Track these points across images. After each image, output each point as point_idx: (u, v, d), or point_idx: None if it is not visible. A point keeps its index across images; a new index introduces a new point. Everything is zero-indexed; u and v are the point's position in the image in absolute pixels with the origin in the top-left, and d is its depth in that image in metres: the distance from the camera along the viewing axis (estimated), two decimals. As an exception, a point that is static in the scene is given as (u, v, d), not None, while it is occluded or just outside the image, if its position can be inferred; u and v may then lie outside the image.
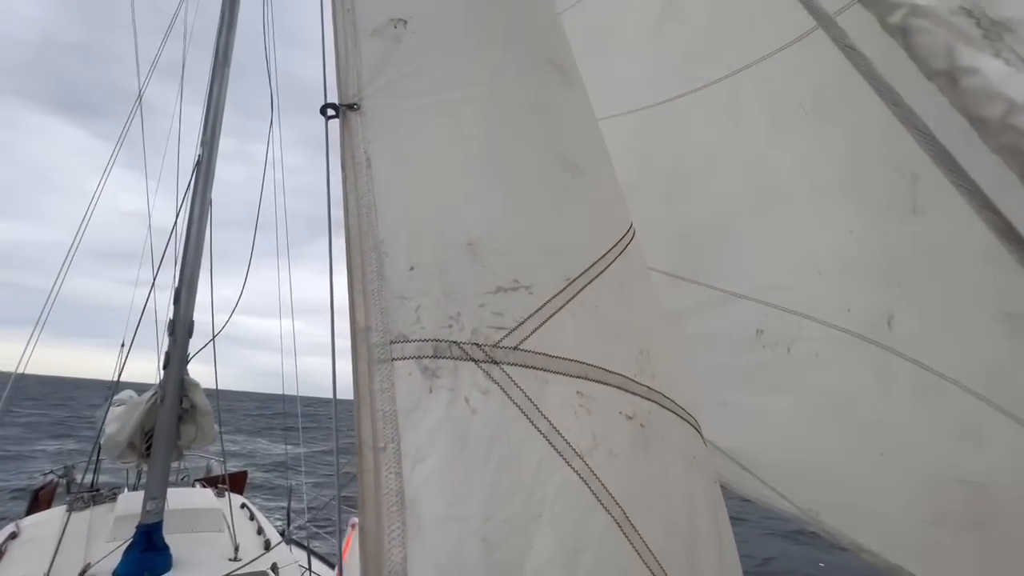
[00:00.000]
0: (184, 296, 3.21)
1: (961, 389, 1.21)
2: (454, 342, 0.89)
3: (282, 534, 3.98)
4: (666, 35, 1.79)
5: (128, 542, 2.80)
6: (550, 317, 0.99)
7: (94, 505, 3.50)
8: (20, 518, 3.97)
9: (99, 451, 3.34)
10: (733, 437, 1.73)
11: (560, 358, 0.95)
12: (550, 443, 0.85)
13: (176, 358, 3.08)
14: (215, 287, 3.43)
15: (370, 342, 0.88)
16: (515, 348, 0.93)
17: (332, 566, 3.59)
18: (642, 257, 1.33)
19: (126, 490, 4.27)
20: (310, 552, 3.60)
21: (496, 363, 0.90)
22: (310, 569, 2.97)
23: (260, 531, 3.65)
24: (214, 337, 3.30)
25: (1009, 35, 0.55)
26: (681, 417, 1.09)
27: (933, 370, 1.26)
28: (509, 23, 1.51)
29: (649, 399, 1.03)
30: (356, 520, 3.38)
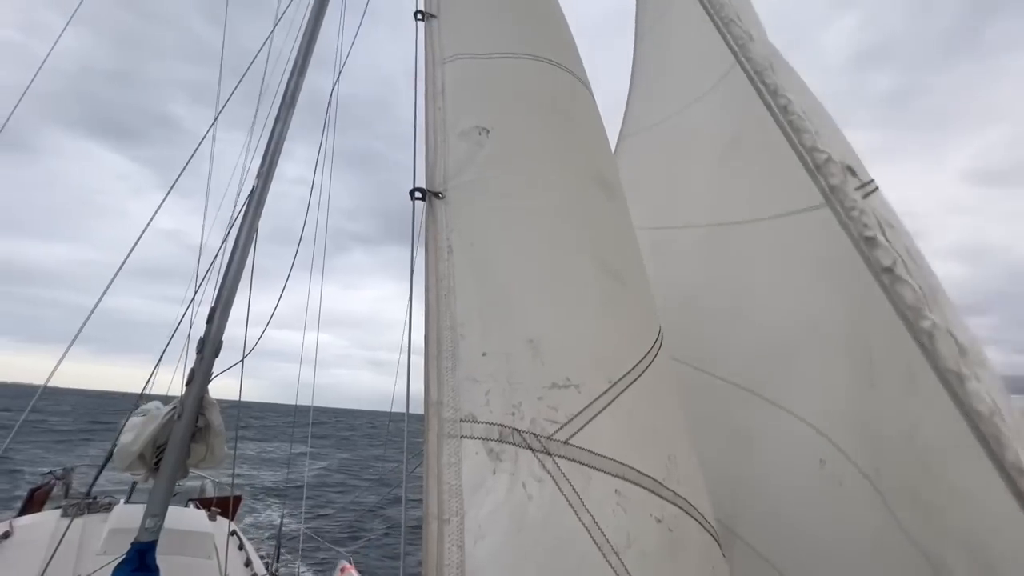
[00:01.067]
0: (218, 316, 3.29)
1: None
2: (516, 429, 1.00)
3: (268, 567, 3.81)
4: (730, 165, 1.94)
5: (120, 559, 2.68)
6: (595, 416, 1.10)
7: (88, 513, 3.37)
8: (14, 517, 3.80)
9: (108, 459, 3.27)
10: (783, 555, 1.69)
11: (602, 456, 1.05)
12: (592, 537, 0.93)
13: (200, 375, 3.11)
14: (242, 302, 3.50)
15: (442, 416, 0.99)
16: (565, 442, 1.03)
17: None
18: (668, 363, 1.45)
19: (122, 502, 4.10)
20: None
21: (550, 454, 1.00)
22: None
23: (248, 563, 3.50)
24: (243, 358, 3.35)
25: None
26: (702, 526, 1.18)
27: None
28: (567, 142, 1.74)
29: (676, 504, 1.12)
30: (345, 564, 3.23)
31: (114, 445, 3.49)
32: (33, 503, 4.93)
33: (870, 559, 1.25)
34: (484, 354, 1.08)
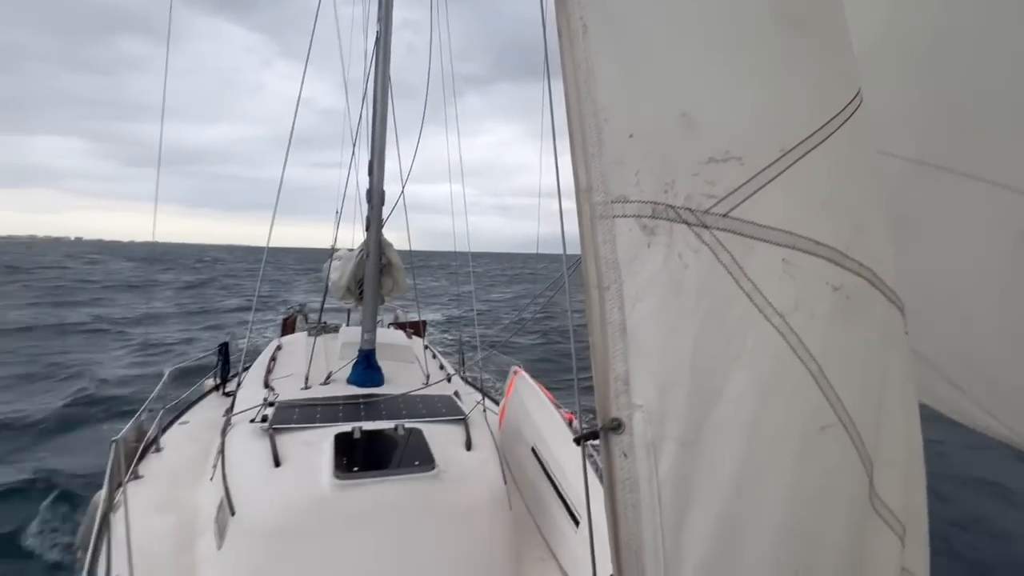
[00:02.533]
0: (376, 167, 3.84)
1: None
2: (669, 205, 0.98)
3: (456, 371, 5.05)
4: None
5: (353, 361, 3.90)
6: (761, 188, 1.01)
7: (323, 333, 4.72)
8: (279, 337, 5.70)
9: (326, 294, 4.48)
10: (955, 351, 1.59)
11: (768, 227, 0.99)
12: (752, 301, 0.94)
13: (375, 220, 3.82)
14: (387, 160, 3.95)
15: (592, 200, 1.01)
16: (724, 215, 0.99)
17: (496, 402, 4.39)
18: (867, 129, 1.21)
19: (344, 325, 5.69)
20: (482, 389, 4.45)
21: (707, 227, 0.97)
22: (484, 400, 3.68)
23: (442, 367, 4.62)
24: (402, 192, 3.94)
25: None
26: (888, 299, 1.08)
27: None
28: None
29: (859, 275, 1.03)
30: (518, 368, 4.06)
31: (327, 283, 4.68)
32: (287, 328, 7.06)
33: None
34: (631, 136, 1.03)
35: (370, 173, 3.84)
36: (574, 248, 1.05)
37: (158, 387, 4.00)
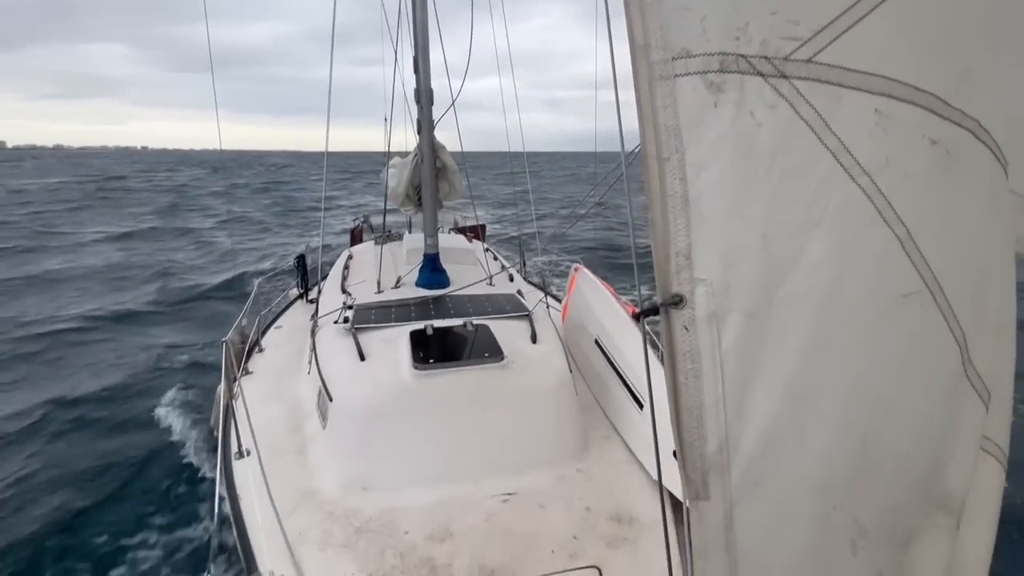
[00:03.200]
0: (421, 63, 3.62)
1: None
2: (741, 55, 0.85)
3: (518, 271, 5.17)
4: None
5: (419, 265, 4.04)
6: (854, 24, 0.86)
7: (389, 242, 4.89)
8: (348, 247, 5.88)
9: (386, 202, 4.55)
10: None
11: (860, 72, 0.85)
12: (837, 159, 0.84)
13: (426, 121, 3.70)
14: (432, 57, 3.71)
15: (650, 59, 0.90)
16: (808, 61, 0.85)
17: (559, 300, 4.49)
18: None
19: (407, 232, 5.87)
20: (544, 288, 4.54)
21: (785, 77, 0.85)
22: (546, 297, 3.77)
23: (503, 267, 4.72)
24: (456, 97, 3.75)
25: None
26: (994, 154, 0.94)
27: None
28: None
29: (962, 126, 0.89)
30: (579, 265, 4.07)
31: (385, 190, 4.69)
32: (355, 238, 7.33)
33: None
34: None
35: (416, 71, 3.65)
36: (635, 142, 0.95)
37: (251, 297, 4.53)
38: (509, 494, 2.48)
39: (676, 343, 0.86)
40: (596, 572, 2.05)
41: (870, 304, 0.83)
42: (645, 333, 1.09)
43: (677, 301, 0.86)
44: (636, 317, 0.97)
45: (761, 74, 0.85)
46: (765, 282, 0.82)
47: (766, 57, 0.85)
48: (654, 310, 0.87)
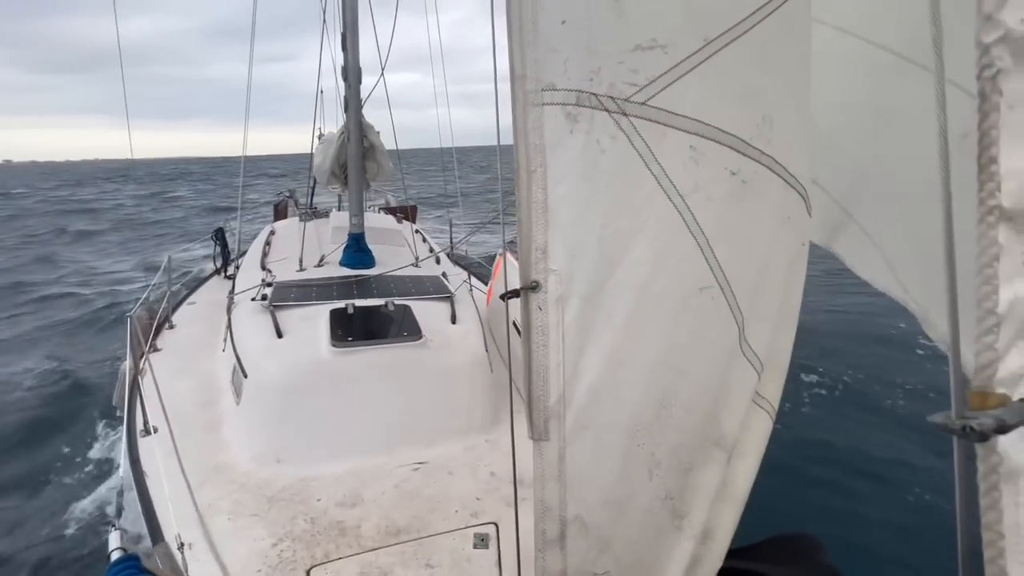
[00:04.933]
0: (350, 40, 3.62)
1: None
2: (593, 93, 1.08)
3: (446, 254, 5.26)
4: None
5: (344, 244, 4.05)
6: (679, 78, 1.11)
7: (314, 219, 4.81)
8: (271, 222, 5.84)
9: (314, 180, 4.48)
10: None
11: (680, 115, 1.11)
12: (659, 183, 1.09)
13: (353, 99, 3.71)
14: (359, 39, 3.74)
15: (525, 88, 1.11)
16: (643, 103, 1.09)
17: (484, 282, 4.66)
18: (802, 17, 1.26)
19: (334, 210, 5.77)
20: (468, 269, 4.69)
21: (625, 114, 1.09)
22: (470, 279, 3.93)
23: (431, 249, 4.80)
24: (383, 74, 3.80)
25: None
26: (787, 183, 1.24)
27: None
28: None
29: (759, 162, 1.17)
30: (504, 251, 4.25)
31: (310, 167, 4.64)
32: (279, 213, 7.20)
33: None
34: (563, 22, 1.09)
35: (344, 48, 3.64)
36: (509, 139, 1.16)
37: (160, 271, 4.32)
38: (420, 463, 2.65)
39: (532, 320, 1.08)
40: (494, 527, 2.29)
41: (675, 294, 1.09)
42: (508, 312, 1.32)
43: (534, 286, 1.08)
44: (501, 298, 1.19)
45: (607, 110, 1.09)
46: (599, 274, 1.07)
47: (612, 97, 1.09)
48: (516, 292, 1.10)
